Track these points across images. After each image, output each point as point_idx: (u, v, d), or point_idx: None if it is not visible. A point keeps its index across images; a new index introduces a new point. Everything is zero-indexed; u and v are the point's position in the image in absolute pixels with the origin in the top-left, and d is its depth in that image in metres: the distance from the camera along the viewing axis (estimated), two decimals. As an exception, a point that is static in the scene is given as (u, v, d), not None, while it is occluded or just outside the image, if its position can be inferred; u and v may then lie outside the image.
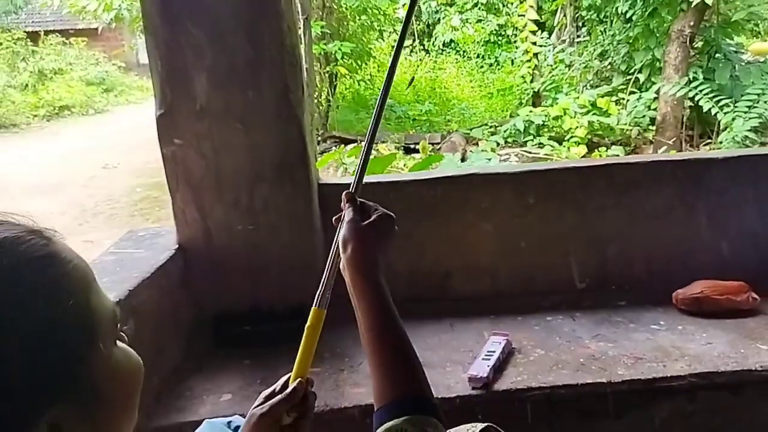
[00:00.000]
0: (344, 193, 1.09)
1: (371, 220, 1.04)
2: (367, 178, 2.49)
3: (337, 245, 1.04)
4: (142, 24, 2.13)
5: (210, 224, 2.23)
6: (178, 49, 2.04)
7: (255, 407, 0.99)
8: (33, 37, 18.37)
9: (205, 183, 2.19)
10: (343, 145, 9.06)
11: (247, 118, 2.11)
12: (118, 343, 0.68)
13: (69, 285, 0.63)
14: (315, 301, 1.08)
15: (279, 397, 0.99)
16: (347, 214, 1.06)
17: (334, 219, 1.12)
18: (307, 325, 1.05)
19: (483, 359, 1.81)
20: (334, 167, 7.24)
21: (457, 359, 1.90)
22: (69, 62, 18.03)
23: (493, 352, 1.84)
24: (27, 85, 16.32)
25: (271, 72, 2.07)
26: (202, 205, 2.21)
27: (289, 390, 1.00)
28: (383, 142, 8.94)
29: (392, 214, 1.06)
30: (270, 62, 2.06)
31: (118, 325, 0.69)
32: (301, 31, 7.16)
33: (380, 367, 0.91)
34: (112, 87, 18.33)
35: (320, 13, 9.42)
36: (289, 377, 1.03)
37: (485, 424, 1.05)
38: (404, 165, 7.27)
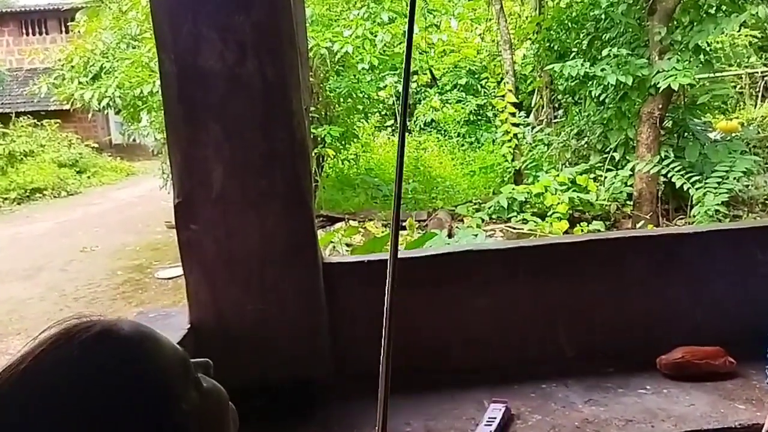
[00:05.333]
0: None
1: None
2: (365, 257, 2.67)
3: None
4: (164, 120, 2.35)
5: (222, 304, 2.38)
6: (198, 144, 2.25)
7: None
8: (3, 119, 18.41)
9: (218, 266, 2.35)
10: (331, 224, 9.28)
11: (260, 205, 2.30)
12: (201, 382, 0.73)
13: (136, 368, 0.66)
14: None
15: None
16: None
17: None
18: None
19: (485, 425, 1.94)
20: (323, 246, 7.42)
21: (460, 426, 2.04)
22: (41, 144, 17.98)
23: (494, 418, 1.98)
24: (-4, 167, 16.13)
25: (282, 162, 2.28)
26: (215, 287, 2.36)
27: None
28: (370, 220, 9.17)
29: None
30: (282, 154, 2.27)
31: (191, 365, 0.73)
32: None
33: None
34: (85, 168, 18.24)
35: (309, 99, 9.81)
36: None
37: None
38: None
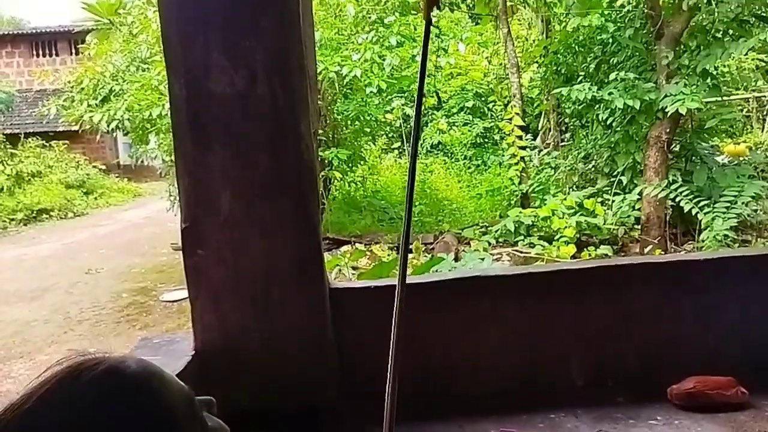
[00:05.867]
0: None
1: None
2: (373, 282, 2.66)
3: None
4: (173, 144, 2.35)
5: (227, 330, 2.36)
6: (206, 168, 2.25)
7: None
8: (12, 140, 18.37)
9: (224, 290, 2.34)
10: (337, 247, 9.26)
11: (267, 229, 2.29)
12: (206, 421, 0.73)
13: (143, 405, 0.66)
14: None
15: None
16: None
17: None
18: None
19: (493, 455, 1.91)
20: (330, 269, 7.40)
21: (468, 456, 2.01)
22: (48, 165, 17.96)
23: (502, 447, 1.95)
24: (3, 188, 16.09)
25: (290, 186, 2.27)
26: (221, 312, 2.35)
27: None
28: (377, 243, 9.16)
29: None
30: (289, 176, 2.27)
31: (197, 403, 0.73)
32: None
33: None
34: (92, 189, 18.20)
35: (317, 122, 9.88)
36: None
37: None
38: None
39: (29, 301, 7.84)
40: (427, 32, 1.63)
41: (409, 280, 3.00)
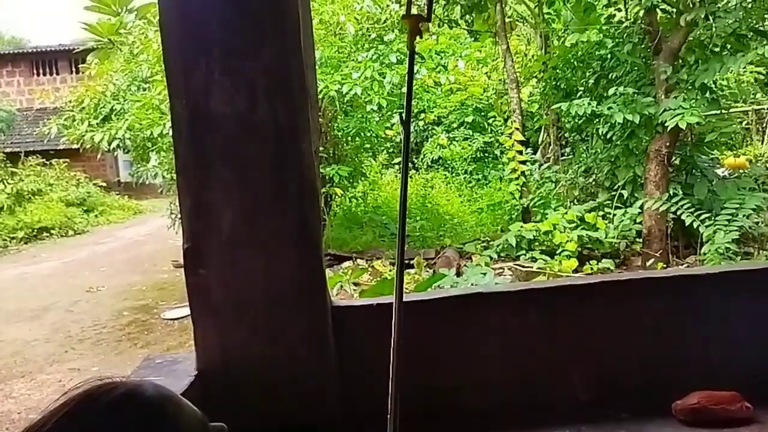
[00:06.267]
0: None
1: None
2: (374, 300, 2.65)
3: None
4: (174, 164, 2.36)
5: (229, 348, 2.35)
6: (208, 188, 2.26)
7: None
8: (12, 158, 18.37)
9: (225, 309, 2.34)
10: (338, 263, 9.26)
11: (269, 247, 2.29)
12: None
13: (163, 424, 0.69)
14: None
15: None
16: None
17: None
18: None
19: (498, 473, 1.90)
20: (331, 286, 7.39)
21: (472, 474, 1.99)
22: (49, 183, 17.92)
23: (507, 465, 1.94)
24: (3, 207, 16.05)
25: (292, 204, 2.28)
26: (222, 331, 2.34)
27: None
28: (378, 258, 9.15)
29: None
30: (291, 196, 2.28)
31: (210, 429, 0.75)
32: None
33: None
34: (92, 207, 18.17)
35: (318, 140, 9.90)
36: None
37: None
38: (400, 281, 7.41)
39: (30, 320, 7.82)
40: (411, 61, 1.65)
41: (411, 297, 3.01)
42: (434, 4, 10.32)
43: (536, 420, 2.30)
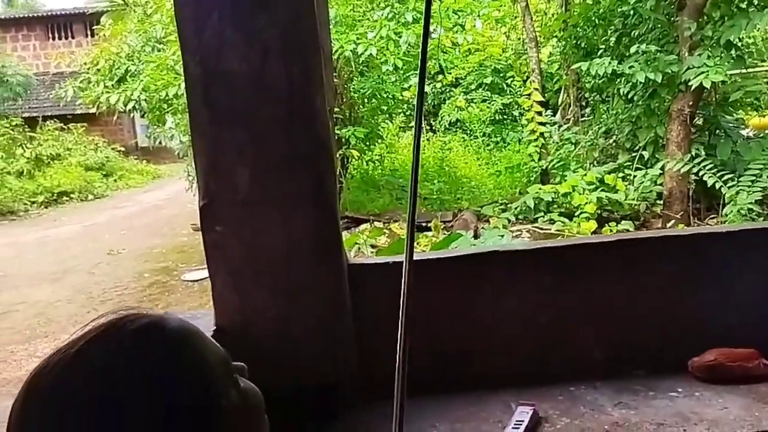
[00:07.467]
0: None
1: None
2: (390, 258, 2.66)
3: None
4: (189, 122, 2.35)
5: (247, 307, 2.37)
6: (223, 145, 2.25)
7: None
8: (31, 123, 18.54)
9: (243, 267, 2.35)
10: (355, 226, 9.29)
11: (285, 206, 2.29)
12: (239, 382, 0.76)
13: (184, 360, 0.70)
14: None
15: None
16: None
17: None
18: None
19: (513, 428, 1.92)
20: (348, 247, 7.42)
21: (488, 429, 2.01)
22: (67, 148, 18.15)
23: (522, 421, 1.95)
24: (23, 171, 16.31)
25: (306, 163, 2.27)
26: (240, 289, 2.36)
27: None
28: (395, 221, 9.16)
29: None
30: (306, 155, 2.26)
31: (232, 366, 0.76)
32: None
33: None
34: (111, 171, 18.40)
35: (333, 100, 9.86)
36: None
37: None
38: (417, 243, 7.44)
39: (52, 282, 7.96)
40: (428, 7, 1.61)
41: (424, 256, 3.01)
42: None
43: (551, 378, 2.31)
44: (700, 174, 7.11)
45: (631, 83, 7.73)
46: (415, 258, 2.65)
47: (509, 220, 8.21)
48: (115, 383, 0.65)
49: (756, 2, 7.18)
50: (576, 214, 8.03)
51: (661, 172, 7.80)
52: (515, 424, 1.93)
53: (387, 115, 12.97)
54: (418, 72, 1.68)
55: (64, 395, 0.65)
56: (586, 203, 7.95)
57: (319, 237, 2.33)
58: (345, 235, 7.09)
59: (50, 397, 0.65)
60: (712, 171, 7.00)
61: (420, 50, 1.62)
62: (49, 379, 0.66)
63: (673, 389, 2.15)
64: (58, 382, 0.65)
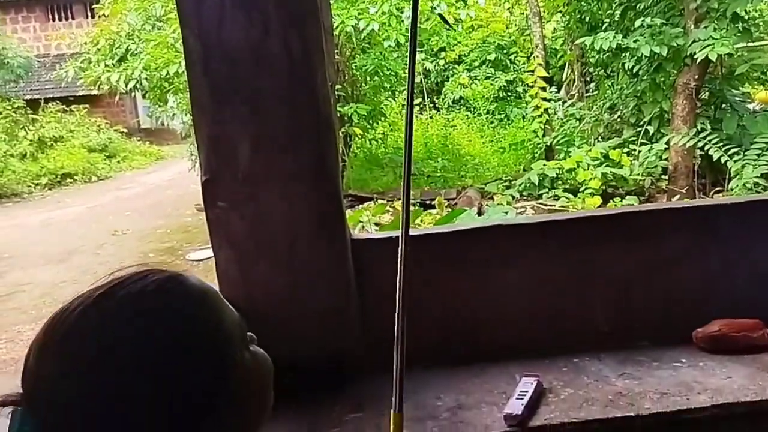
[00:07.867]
0: None
1: None
2: (393, 233, 2.66)
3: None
4: (189, 98, 2.34)
5: (251, 281, 2.37)
6: (223, 121, 2.24)
7: None
8: (33, 105, 18.47)
9: (246, 243, 2.35)
10: (359, 204, 9.28)
11: (287, 181, 2.28)
12: (250, 347, 0.78)
13: (203, 313, 0.72)
14: (393, 406, 1.18)
15: None
16: None
17: None
18: None
19: (517, 398, 1.92)
20: (352, 225, 7.42)
21: (492, 400, 2.02)
22: (70, 129, 18.13)
23: (526, 392, 1.96)
24: (26, 153, 16.32)
25: (308, 139, 2.26)
26: (244, 264, 2.36)
27: None
28: (399, 199, 9.15)
29: None
30: (307, 130, 2.25)
31: (246, 330, 0.78)
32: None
33: None
34: (114, 153, 18.37)
35: (334, 76, 9.80)
36: None
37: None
38: (421, 220, 7.43)
39: (57, 263, 8.00)
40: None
41: (427, 230, 3.00)
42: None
43: (556, 350, 2.31)
44: (706, 148, 7.07)
45: (636, 57, 7.66)
46: (419, 232, 2.66)
47: (513, 197, 8.21)
48: (136, 328, 0.66)
49: (763, -27, 7.10)
50: (580, 189, 8.01)
51: (667, 146, 7.76)
52: (519, 395, 1.94)
53: (390, 93, 12.90)
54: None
55: (82, 333, 0.66)
56: (591, 179, 7.93)
57: (321, 212, 2.33)
58: (348, 213, 7.09)
59: (70, 333, 0.66)
60: (718, 145, 6.95)
61: (408, 37, 1.60)
62: (71, 318, 0.67)
63: (677, 360, 2.15)
64: (81, 326, 0.67)
